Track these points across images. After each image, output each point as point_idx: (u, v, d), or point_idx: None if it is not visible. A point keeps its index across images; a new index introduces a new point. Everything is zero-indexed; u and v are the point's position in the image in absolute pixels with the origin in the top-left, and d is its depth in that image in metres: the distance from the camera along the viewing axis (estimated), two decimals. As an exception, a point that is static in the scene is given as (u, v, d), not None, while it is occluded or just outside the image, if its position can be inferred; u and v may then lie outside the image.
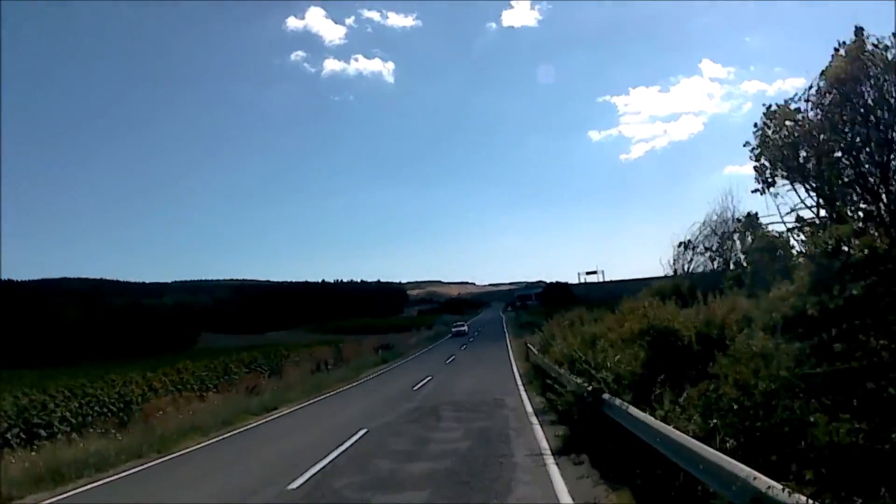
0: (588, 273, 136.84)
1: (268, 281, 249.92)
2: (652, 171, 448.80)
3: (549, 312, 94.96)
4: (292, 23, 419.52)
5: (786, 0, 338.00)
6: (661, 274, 22.91)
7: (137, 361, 55.33)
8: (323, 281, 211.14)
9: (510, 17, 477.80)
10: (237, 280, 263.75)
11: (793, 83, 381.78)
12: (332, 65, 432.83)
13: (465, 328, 73.15)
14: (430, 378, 26.70)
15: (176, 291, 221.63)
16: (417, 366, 35.88)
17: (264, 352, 41.90)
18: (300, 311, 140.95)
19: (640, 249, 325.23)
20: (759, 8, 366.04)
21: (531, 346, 30.79)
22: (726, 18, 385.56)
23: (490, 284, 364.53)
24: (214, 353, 54.75)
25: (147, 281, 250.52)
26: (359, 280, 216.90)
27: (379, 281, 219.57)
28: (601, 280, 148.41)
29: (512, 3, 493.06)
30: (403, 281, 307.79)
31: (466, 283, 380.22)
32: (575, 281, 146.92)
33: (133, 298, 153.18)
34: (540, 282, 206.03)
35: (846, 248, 8.27)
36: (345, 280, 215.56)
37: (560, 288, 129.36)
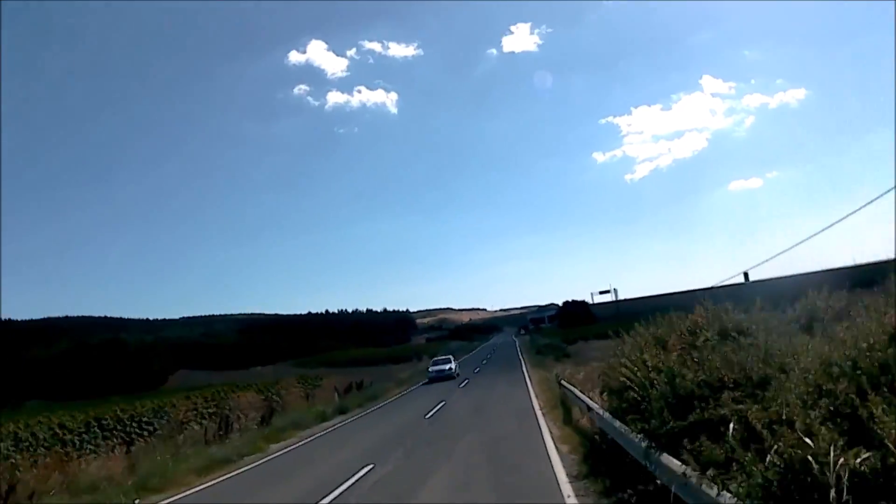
0: (601, 292, 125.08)
1: (276, 314, 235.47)
2: (657, 190, 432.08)
3: (569, 333, 79.52)
4: (294, 57, 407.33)
5: (782, 11, 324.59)
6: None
7: (77, 403, 43.17)
8: (326, 311, 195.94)
9: (510, 43, 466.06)
10: (245, 315, 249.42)
11: (794, 94, 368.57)
12: (335, 97, 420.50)
13: (452, 368, 40.28)
14: (367, 470, 11.58)
15: (182, 327, 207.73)
16: (376, 426, 20.70)
17: (160, 404, 27.01)
18: (297, 344, 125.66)
19: (649, 268, 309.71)
20: (757, 21, 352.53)
21: (573, 388, 15.75)
22: (724, 33, 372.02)
23: (501, 310, 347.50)
24: (164, 395, 40.68)
25: (153, 318, 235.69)
26: (364, 310, 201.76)
27: (385, 309, 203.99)
28: (615, 299, 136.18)
29: (512, 28, 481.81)
30: (414, 309, 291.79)
31: (477, 309, 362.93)
32: (587, 301, 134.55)
33: (121, 335, 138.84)
34: (551, 304, 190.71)
35: None
36: (349, 310, 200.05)
37: (578, 306, 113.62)
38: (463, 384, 32.64)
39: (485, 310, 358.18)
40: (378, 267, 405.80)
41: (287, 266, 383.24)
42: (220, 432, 22.62)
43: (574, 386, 17.03)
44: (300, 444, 18.97)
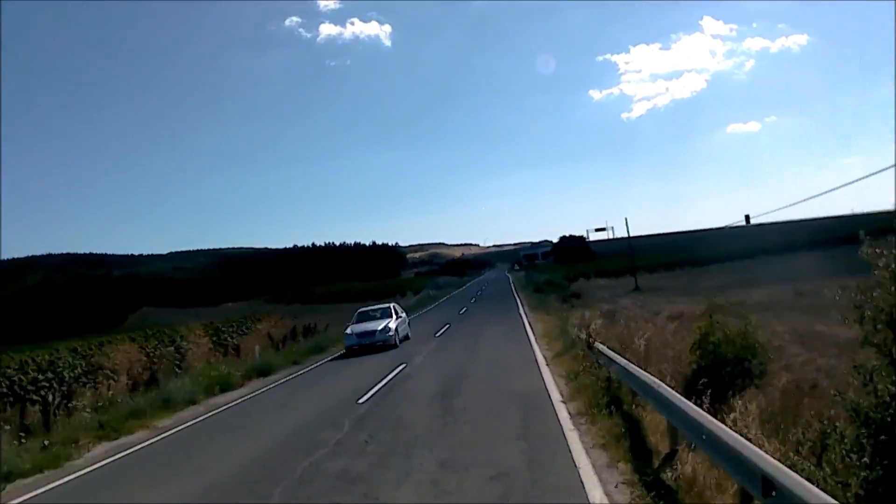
0: (597, 230, 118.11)
1: (266, 248, 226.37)
2: (654, 130, 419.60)
3: (568, 270, 71.35)
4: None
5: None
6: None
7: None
8: (313, 244, 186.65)
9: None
10: (233, 249, 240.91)
11: (796, 40, 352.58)
12: (327, 29, 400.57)
13: (391, 330, 20.96)
14: None
15: (164, 262, 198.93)
16: (275, 416, 11.91)
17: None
18: (276, 278, 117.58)
19: (645, 207, 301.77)
20: None
21: (648, 379, 7.17)
22: None
23: (494, 245, 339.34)
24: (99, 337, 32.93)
25: (139, 253, 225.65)
26: (352, 243, 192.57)
27: (374, 243, 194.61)
28: (611, 237, 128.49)
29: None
30: (405, 244, 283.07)
31: (470, 244, 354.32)
32: (585, 238, 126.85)
33: (97, 271, 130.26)
34: (545, 241, 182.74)
35: None
36: (337, 243, 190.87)
37: (576, 241, 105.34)
38: (441, 332, 24.09)
39: (477, 245, 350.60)
40: (369, 201, 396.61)
41: (275, 199, 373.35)
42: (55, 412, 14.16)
43: (634, 363, 8.44)
44: (137, 447, 10.53)
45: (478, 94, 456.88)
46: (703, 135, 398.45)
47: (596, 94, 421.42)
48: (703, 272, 61.63)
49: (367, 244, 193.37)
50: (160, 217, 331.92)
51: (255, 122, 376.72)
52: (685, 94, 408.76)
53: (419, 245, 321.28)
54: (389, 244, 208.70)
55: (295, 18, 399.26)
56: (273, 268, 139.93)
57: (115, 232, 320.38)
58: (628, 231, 50.54)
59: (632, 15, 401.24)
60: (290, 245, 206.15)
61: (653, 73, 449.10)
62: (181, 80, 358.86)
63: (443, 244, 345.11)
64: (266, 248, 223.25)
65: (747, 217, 55.59)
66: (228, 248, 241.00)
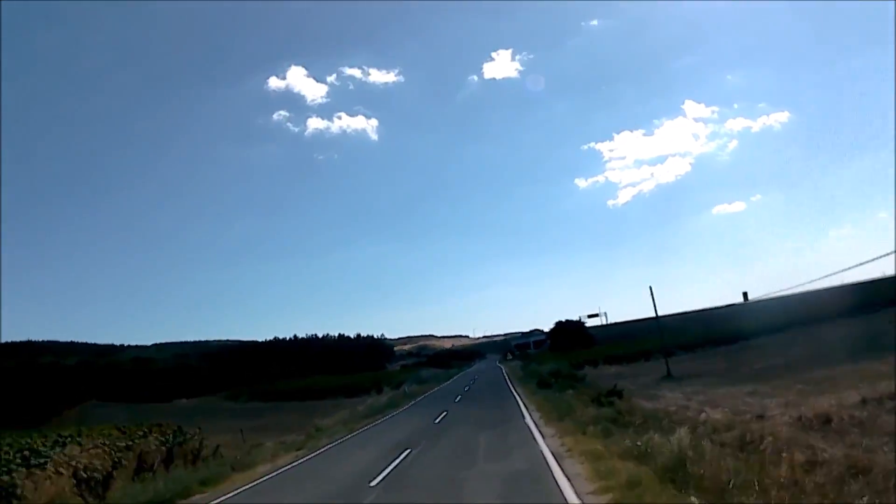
0: (590, 316, 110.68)
1: (253, 341, 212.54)
2: (641, 215, 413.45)
3: (569, 357, 60.21)
4: (274, 83, 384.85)
5: (764, 35, 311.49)
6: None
7: None
8: (295, 336, 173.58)
9: (491, 70, 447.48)
10: (219, 341, 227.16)
11: (777, 118, 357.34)
12: (315, 123, 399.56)
13: None
14: None
15: (153, 352, 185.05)
16: None
17: None
18: (243, 372, 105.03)
19: (635, 292, 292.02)
20: (739, 45, 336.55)
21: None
22: (707, 58, 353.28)
23: (484, 336, 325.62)
24: None
25: (119, 343, 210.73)
26: (335, 335, 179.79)
27: (359, 335, 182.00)
28: (604, 322, 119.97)
29: (493, 55, 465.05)
30: (395, 336, 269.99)
31: (460, 336, 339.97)
32: (583, 322, 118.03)
33: (42, 359, 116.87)
34: (535, 330, 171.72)
35: None
36: (319, 335, 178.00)
37: (573, 325, 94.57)
38: (389, 470, 12.99)
39: (467, 336, 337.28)
40: (357, 294, 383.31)
41: (263, 292, 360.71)
42: None
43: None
44: None
45: (464, 187, 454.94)
46: (690, 217, 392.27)
47: (582, 183, 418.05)
48: (735, 351, 51.02)
49: (352, 336, 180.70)
50: (147, 307, 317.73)
51: (244, 216, 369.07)
52: (670, 178, 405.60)
53: (408, 337, 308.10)
54: (375, 336, 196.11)
55: (283, 112, 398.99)
56: (249, 361, 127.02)
57: (102, 322, 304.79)
58: (654, 305, 39.82)
59: (615, 103, 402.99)
60: (269, 337, 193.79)
61: (637, 159, 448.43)
62: (165, 175, 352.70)
63: (432, 336, 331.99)
64: (253, 341, 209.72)
65: (745, 294, 47.35)
66: (214, 340, 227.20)
